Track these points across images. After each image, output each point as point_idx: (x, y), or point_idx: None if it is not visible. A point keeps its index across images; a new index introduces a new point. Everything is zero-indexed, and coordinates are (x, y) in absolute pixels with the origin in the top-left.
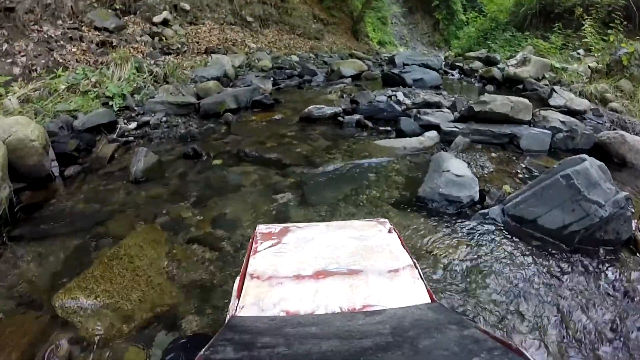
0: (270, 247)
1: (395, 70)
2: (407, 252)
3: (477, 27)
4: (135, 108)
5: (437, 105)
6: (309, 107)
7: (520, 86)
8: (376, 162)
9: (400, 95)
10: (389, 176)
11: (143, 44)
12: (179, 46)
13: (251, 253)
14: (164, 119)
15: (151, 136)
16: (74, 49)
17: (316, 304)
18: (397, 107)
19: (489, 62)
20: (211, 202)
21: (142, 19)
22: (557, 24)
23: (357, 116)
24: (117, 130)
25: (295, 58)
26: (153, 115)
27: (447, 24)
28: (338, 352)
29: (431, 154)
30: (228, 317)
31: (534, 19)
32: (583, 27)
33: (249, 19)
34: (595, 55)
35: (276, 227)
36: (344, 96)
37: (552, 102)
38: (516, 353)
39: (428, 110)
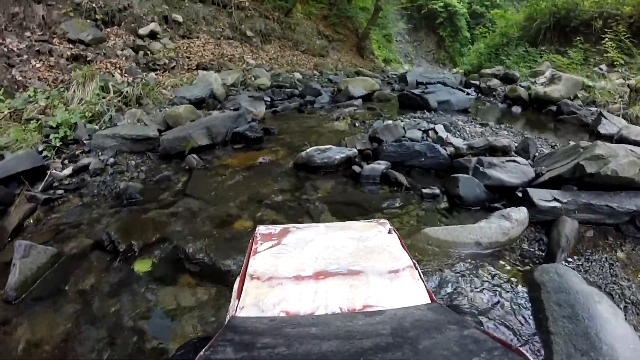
0: (270, 248)
1: (416, 91)
2: (407, 252)
3: (486, 43)
4: (85, 142)
5: (504, 151)
6: (309, 150)
7: (553, 108)
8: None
9: (440, 130)
10: None
11: (124, 58)
12: (167, 61)
13: (251, 254)
14: (111, 160)
15: (84, 190)
16: (38, 65)
17: (316, 305)
18: (441, 150)
19: (507, 79)
20: None
21: (127, 31)
22: (577, 38)
23: (381, 164)
24: (45, 180)
25: (297, 76)
26: (100, 154)
27: (452, 41)
28: (338, 352)
29: (520, 254)
30: (228, 317)
31: (547, 33)
32: (603, 41)
33: (249, 33)
34: (620, 70)
35: (276, 228)
36: (357, 124)
37: (602, 129)
38: (516, 353)
39: (494, 160)
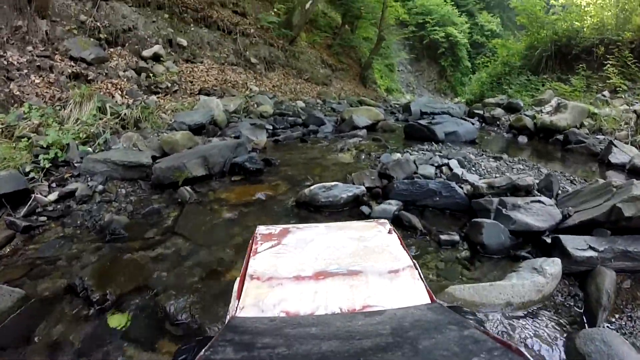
0: (270, 248)
1: (423, 121)
2: (406, 252)
3: (488, 72)
4: (77, 164)
5: (527, 190)
6: (313, 187)
7: (560, 137)
8: None
9: (455, 166)
10: None
11: (126, 79)
12: (169, 85)
13: (251, 254)
14: (100, 187)
15: (68, 219)
16: (37, 80)
17: (316, 305)
18: (457, 188)
19: (511, 108)
20: None
21: (130, 52)
22: (580, 65)
23: (392, 205)
24: (28, 204)
25: (300, 104)
26: (89, 179)
27: (453, 71)
28: (338, 352)
29: (555, 314)
30: (228, 317)
31: (549, 61)
32: (605, 67)
33: (254, 60)
34: (623, 96)
35: (276, 228)
36: (362, 157)
37: (613, 159)
38: (516, 353)
39: (518, 201)
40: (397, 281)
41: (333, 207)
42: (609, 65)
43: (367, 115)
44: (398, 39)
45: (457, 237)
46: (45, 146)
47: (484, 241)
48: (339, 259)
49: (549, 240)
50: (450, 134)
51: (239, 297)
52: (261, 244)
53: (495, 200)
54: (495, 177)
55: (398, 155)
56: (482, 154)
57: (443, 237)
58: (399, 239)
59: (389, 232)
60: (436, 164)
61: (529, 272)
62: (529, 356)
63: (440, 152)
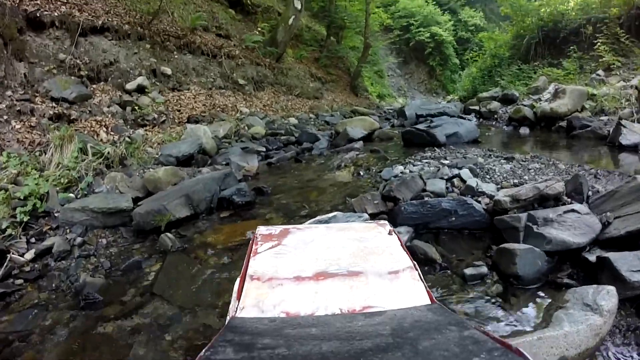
0: (270, 248)
1: (421, 126)
2: (406, 253)
3: (478, 67)
4: (57, 215)
5: (556, 198)
6: (310, 222)
7: (563, 124)
8: None
9: (467, 176)
10: None
11: (110, 115)
12: (156, 116)
13: (251, 254)
14: (79, 239)
15: (44, 282)
16: (18, 126)
17: (316, 305)
18: (475, 204)
19: (506, 100)
20: None
21: (113, 86)
22: (571, 48)
23: (402, 234)
24: (4, 266)
25: (293, 120)
26: (68, 230)
27: (442, 70)
28: (338, 353)
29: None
30: (228, 318)
31: (538, 47)
32: (595, 47)
33: (241, 81)
34: (618, 73)
35: (276, 229)
36: (361, 173)
37: (623, 140)
38: (516, 354)
39: (550, 213)
40: (397, 282)
41: None
42: (599, 43)
43: (361, 125)
44: (384, 44)
45: (484, 269)
46: (22, 197)
47: (518, 272)
48: (339, 259)
49: (591, 259)
50: (451, 136)
51: (239, 298)
52: (261, 244)
53: (523, 216)
54: (514, 183)
55: (400, 168)
56: (490, 155)
57: (468, 271)
58: (399, 240)
59: (389, 233)
60: (446, 177)
61: (580, 310)
62: (528, 356)
63: (446, 159)
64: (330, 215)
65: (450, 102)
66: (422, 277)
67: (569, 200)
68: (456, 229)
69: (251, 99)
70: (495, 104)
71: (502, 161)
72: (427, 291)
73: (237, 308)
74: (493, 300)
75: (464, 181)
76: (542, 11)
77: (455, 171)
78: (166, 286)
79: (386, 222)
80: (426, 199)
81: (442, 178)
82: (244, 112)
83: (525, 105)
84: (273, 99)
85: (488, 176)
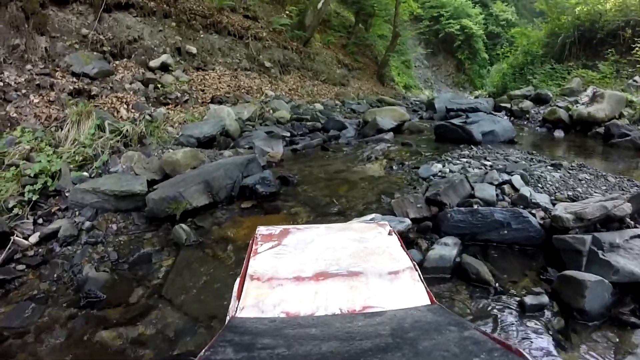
0: (270, 248)
1: (456, 121)
2: (406, 254)
3: (509, 63)
4: (67, 194)
5: (621, 220)
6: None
7: (600, 130)
8: None
9: (519, 183)
10: None
11: (132, 92)
12: (179, 95)
13: (251, 254)
14: (88, 223)
15: (46, 270)
16: (36, 100)
17: (316, 306)
18: (531, 218)
19: (539, 100)
20: None
21: (136, 63)
22: (609, 50)
23: (450, 246)
24: (6, 250)
25: (319, 106)
26: (77, 213)
27: (471, 64)
28: (338, 353)
29: None
30: (228, 318)
31: (573, 47)
32: (633, 51)
33: (268, 64)
34: None
35: (276, 229)
36: (394, 167)
37: None
38: (516, 354)
39: (616, 238)
40: (397, 282)
41: None
42: (638, 47)
43: (391, 116)
44: (413, 35)
45: (545, 299)
46: (32, 175)
47: (584, 307)
48: (339, 260)
49: None
50: (487, 134)
51: (239, 298)
52: (261, 244)
53: (588, 238)
54: (569, 196)
55: (439, 166)
56: (532, 159)
57: (529, 300)
58: (399, 240)
59: (389, 233)
60: (496, 182)
61: None
62: (529, 357)
63: (486, 160)
64: (368, 218)
65: (479, 97)
66: (422, 278)
67: (632, 223)
68: (506, 243)
69: (277, 82)
70: (527, 103)
71: (549, 168)
72: (427, 291)
73: (237, 308)
74: (554, 337)
75: (515, 189)
76: (578, 9)
77: (506, 176)
78: (177, 289)
79: (386, 222)
80: (475, 206)
81: (491, 183)
82: (269, 95)
83: (560, 107)
84: (299, 84)
85: (540, 185)
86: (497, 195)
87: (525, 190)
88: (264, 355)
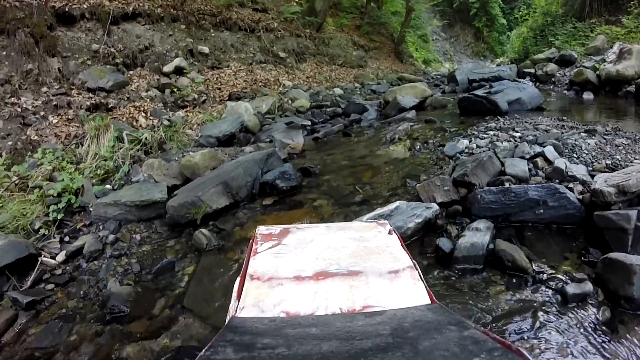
0: (270, 248)
1: (480, 92)
2: (407, 253)
3: (529, 26)
4: (91, 209)
5: None
6: (367, 218)
7: (630, 88)
8: None
9: (552, 154)
10: None
11: (149, 99)
12: (196, 96)
13: (251, 254)
14: (112, 237)
15: (73, 287)
16: (55, 120)
17: (316, 305)
18: (569, 194)
19: (564, 61)
20: None
21: (150, 71)
22: (631, 2)
23: (482, 231)
24: (35, 270)
25: (338, 91)
26: (101, 227)
27: (489, 31)
28: (338, 353)
29: None
30: (228, 318)
31: (594, 3)
32: None
33: (282, 54)
34: None
35: (276, 229)
36: (418, 147)
37: None
38: (516, 354)
39: None
40: (397, 282)
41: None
42: None
43: (412, 93)
44: (427, 7)
45: (589, 287)
46: (55, 195)
47: (633, 295)
48: (339, 259)
49: None
50: (513, 103)
51: (239, 297)
52: (261, 244)
53: (633, 214)
54: (607, 165)
55: (465, 142)
56: (563, 125)
57: (571, 289)
58: (399, 239)
59: (389, 232)
60: (527, 156)
61: None
62: (529, 356)
63: (515, 131)
64: (392, 207)
65: (501, 65)
66: (422, 277)
67: None
68: (543, 223)
69: (293, 71)
70: (552, 66)
71: (583, 134)
72: (427, 291)
73: (237, 308)
74: (600, 330)
75: (548, 161)
76: None
77: (537, 148)
78: (198, 297)
79: (386, 222)
80: (507, 184)
81: (522, 157)
82: (287, 85)
83: (587, 68)
84: (316, 70)
85: (575, 155)
86: (529, 170)
87: (560, 162)
88: (264, 355)
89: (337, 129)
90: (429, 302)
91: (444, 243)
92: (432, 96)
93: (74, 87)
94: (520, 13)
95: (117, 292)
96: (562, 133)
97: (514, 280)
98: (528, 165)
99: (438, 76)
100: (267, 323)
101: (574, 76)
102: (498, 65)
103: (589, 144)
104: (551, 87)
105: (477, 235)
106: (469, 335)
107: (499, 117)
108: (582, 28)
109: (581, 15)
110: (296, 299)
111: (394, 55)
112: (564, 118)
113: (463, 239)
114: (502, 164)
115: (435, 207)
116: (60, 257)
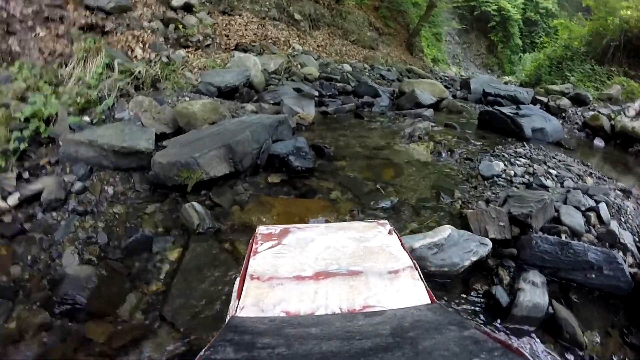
0: (270, 248)
1: (507, 110)
2: (407, 253)
3: (547, 54)
4: (61, 144)
5: None
6: (418, 245)
7: None
8: None
9: (605, 213)
10: None
11: (150, 31)
12: (201, 38)
13: (251, 254)
14: (79, 184)
15: (22, 245)
16: (42, 33)
17: (316, 305)
18: (624, 266)
19: (578, 100)
20: None
21: (157, 1)
22: None
23: (539, 287)
24: None
25: (347, 67)
26: (68, 170)
27: (503, 47)
28: (338, 352)
29: None
30: (228, 317)
31: (617, 52)
32: None
33: (297, 16)
34: None
35: (276, 228)
36: (443, 154)
37: None
38: (516, 353)
39: None
40: (397, 281)
41: (444, 277)
42: None
43: (431, 90)
44: (449, 7)
45: None
46: (22, 119)
47: None
48: (339, 259)
49: None
50: (537, 131)
51: (239, 297)
52: (261, 243)
53: None
54: None
55: (501, 165)
56: (589, 171)
57: None
58: (399, 239)
59: (389, 232)
60: (582, 207)
61: None
62: (529, 356)
63: (546, 164)
64: (445, 234)
65: (507, 83)
66: (422, 277)
67: None
68: (588, 287)
69: (305, 36)
70: (565, 101)
71: (617, 191)
72: (428, 290)
73: (237, 307)
74: None
75: (601, 220)
76: (623, 13)
77: (591, 202)
78: (184, 303)
79: (386, 221)
80: (564, 236)
81: (577, 208)
82: (297, 49)
83: (603, 114)
84: (327, 41)
85: (622, 219)
86: (584, 225)
87: (615, 226)
88: (264, 355)
89: (349, 108)
90: (429, 302)
91: (501, 294)
92: (448, 99)
93: (70, 1)
94: (542, 39)
95: (74, 275)
96: (598, 184)
97: (567, 353)
98: (584, 219)
99: (446, 78)
100: (267, 323)
101: (590, 119)
102: (505, 83)
103: (628, 206)
104: (561, 122)
105: (536, 293)
106: (469, 335)
107: (524, 142)
108: (599, 72)
109: (602, 59)
110: (296, 298)
111: (405, 46)
112: (588, 164)
113: (524, 296)
114: (557, 210)
115: (490, 244)
116: (13, 199)
